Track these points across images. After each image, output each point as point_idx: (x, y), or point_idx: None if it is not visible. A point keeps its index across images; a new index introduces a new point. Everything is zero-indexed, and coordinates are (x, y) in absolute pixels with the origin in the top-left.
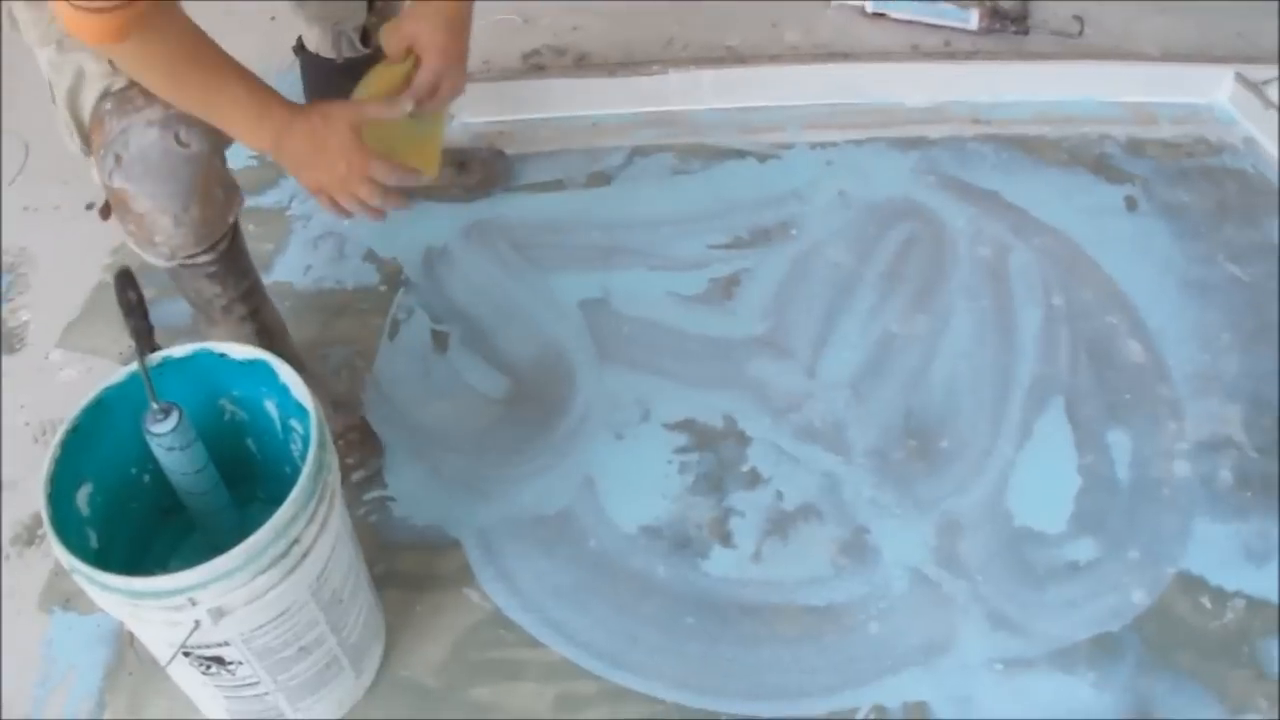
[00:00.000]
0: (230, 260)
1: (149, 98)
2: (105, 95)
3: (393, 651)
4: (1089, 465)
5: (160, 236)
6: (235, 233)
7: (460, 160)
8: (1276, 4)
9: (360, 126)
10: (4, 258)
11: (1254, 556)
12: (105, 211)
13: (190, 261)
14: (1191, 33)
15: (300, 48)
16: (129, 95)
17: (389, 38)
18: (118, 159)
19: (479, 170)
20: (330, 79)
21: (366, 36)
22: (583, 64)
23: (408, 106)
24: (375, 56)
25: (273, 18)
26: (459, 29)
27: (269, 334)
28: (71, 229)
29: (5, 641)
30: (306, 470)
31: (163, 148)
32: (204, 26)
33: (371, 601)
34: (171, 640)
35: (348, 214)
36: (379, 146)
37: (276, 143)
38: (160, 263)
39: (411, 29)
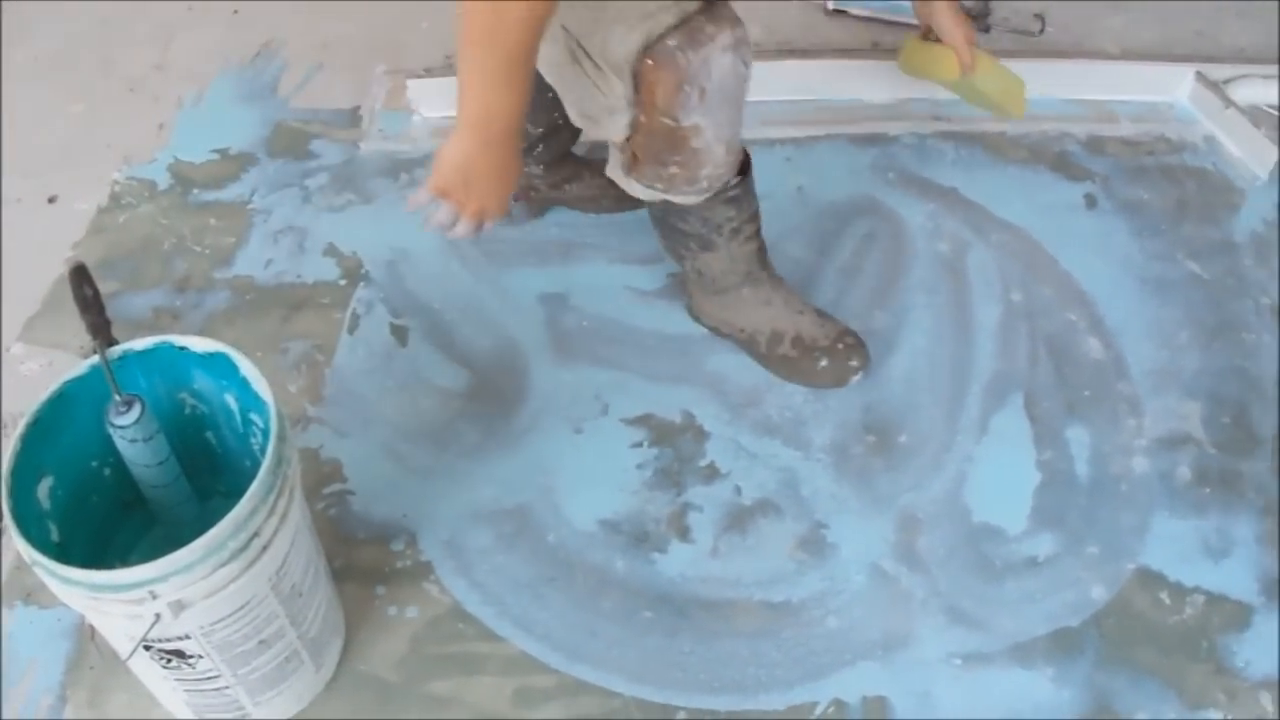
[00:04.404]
0: (748, 182)
1: (717, 23)
2: (663, 34)
3: (352, 645)
4: (1048, 461)
5: (708, 169)
6: (748, 155)
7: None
8: (1237, 3)
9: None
10: None
11: (1212, 552)
12: (632, 163)
13: (723, 190)
14: (1152, 31)
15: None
16: (697, 24)
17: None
18: (702, 93)
19: (598, 181)
20: None
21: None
22: None
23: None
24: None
25: (235, 11)
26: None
27: (765, 252)
28: (32, 222)
29: None
30: (266, 464)
31: (735, 73)
32: (167, 19)
33: (331, 595)
34: (132, 634)
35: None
36: (980, 102)
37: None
38: (691, 199)
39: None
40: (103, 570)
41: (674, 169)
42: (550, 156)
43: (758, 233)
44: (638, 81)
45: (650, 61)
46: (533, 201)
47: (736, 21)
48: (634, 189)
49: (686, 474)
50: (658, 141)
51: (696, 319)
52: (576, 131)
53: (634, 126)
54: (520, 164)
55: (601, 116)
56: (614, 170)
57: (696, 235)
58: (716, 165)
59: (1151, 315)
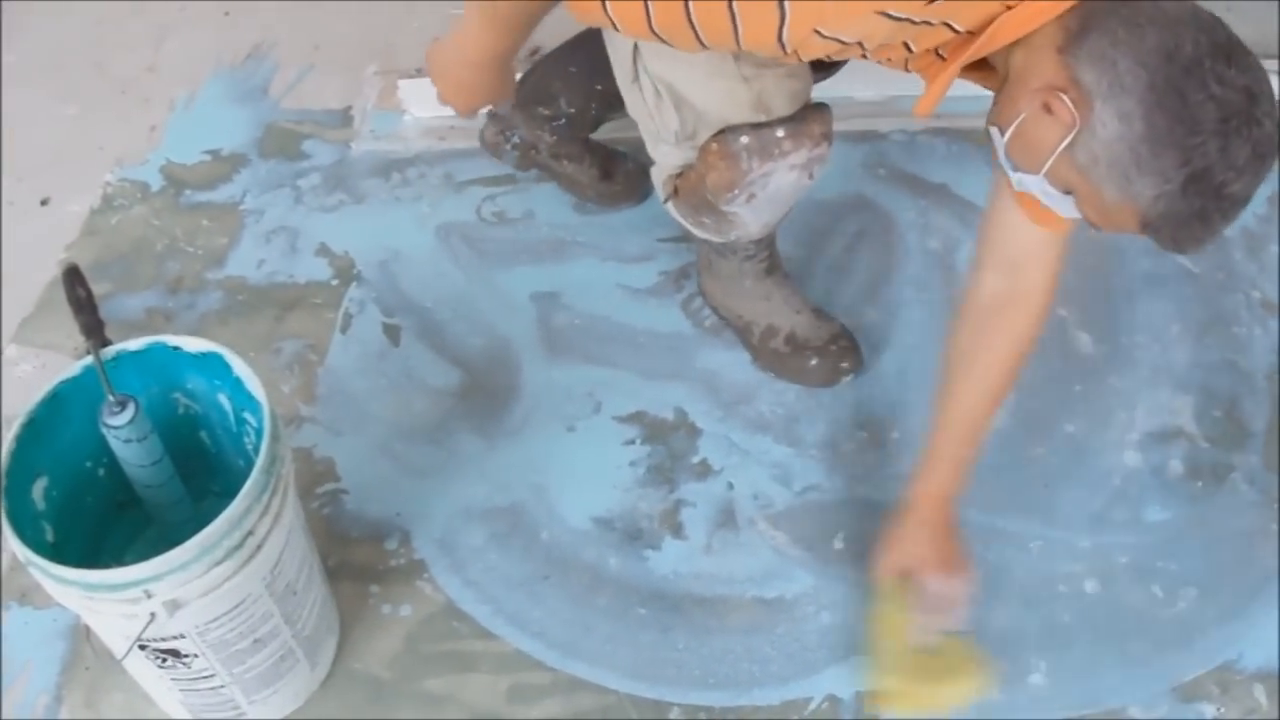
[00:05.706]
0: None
1: (796, 139)
2: (740, 128)
3: (346, 644)
4: (1039, 456)
5: (739, 233)
6: None
7: (605, 169)
8: (1226, 2)
9: None
10: None
11: None
12: (672, 194)
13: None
14: None
15: None
16: (775, 136)
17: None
18: (751, 197)
19: (621, 181)
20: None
21: None
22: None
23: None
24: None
25: (226, 12)
26: (945, 535)
27: (781, 266)
28: (25, 224)
29: None
30: (259, 463)
31: (796, 186)
32: (157, 20)
33: (325, 594)
34: (127, 633)
35: None
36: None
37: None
38: (712, 239)
39: (904, 554)
40: (98, 570)
41: (706, 221)
42: (566, 133)
43: (771, 255)
44: (699, 147)
45: (715, 145)
46: (527, 160)
47: (821, 138)
48: (669, 210)
49: (679, 471)
50: (697, 200)
51: (702, 296)
52: (600, 121)
53: (683, 172)
54: (490, 93)
55: (654, 141)
56: (656, 181)
57: (715, 246)
58: (749, 235)
59: (1143, 310)
